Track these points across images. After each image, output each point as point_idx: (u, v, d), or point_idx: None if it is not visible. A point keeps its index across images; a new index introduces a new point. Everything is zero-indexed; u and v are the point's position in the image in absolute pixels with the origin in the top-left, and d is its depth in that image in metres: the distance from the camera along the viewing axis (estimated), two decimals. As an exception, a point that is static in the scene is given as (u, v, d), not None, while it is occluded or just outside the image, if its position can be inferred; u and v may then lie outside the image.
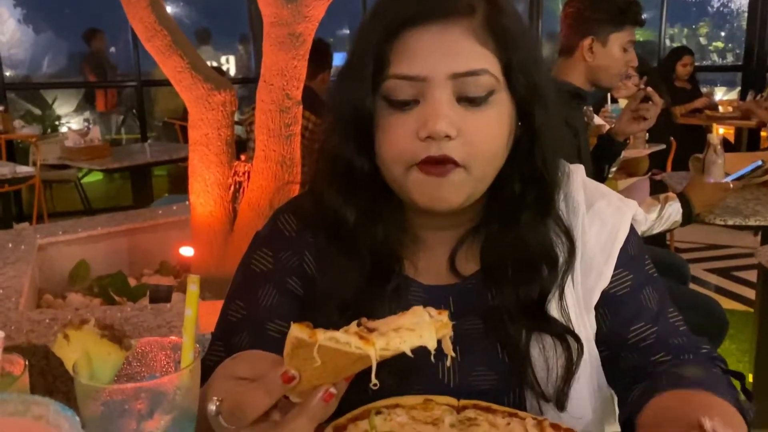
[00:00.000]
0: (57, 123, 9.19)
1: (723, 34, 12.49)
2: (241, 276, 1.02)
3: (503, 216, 0.93)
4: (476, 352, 0.93)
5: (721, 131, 6.56)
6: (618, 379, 0.96)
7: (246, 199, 2.70)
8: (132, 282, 2.75)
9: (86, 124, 6.60)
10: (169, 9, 3.23)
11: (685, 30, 12.32)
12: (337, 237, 0.94)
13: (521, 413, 0.84)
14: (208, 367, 0.71)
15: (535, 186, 0.92)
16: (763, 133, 6.65)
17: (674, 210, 2.29)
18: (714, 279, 4.55)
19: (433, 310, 0.66)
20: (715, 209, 2.52)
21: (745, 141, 6.62)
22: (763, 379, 2.71)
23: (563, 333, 0.91)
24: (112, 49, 9.20)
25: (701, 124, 6.25)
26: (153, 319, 1.85)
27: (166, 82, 2.88)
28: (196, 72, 2.67)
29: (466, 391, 0.88)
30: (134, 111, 8.62)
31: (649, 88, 2.56)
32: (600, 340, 0.96)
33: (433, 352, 0.64)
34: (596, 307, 0.95)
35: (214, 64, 9.05)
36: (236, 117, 3.14)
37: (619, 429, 0.96)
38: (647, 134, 4.16)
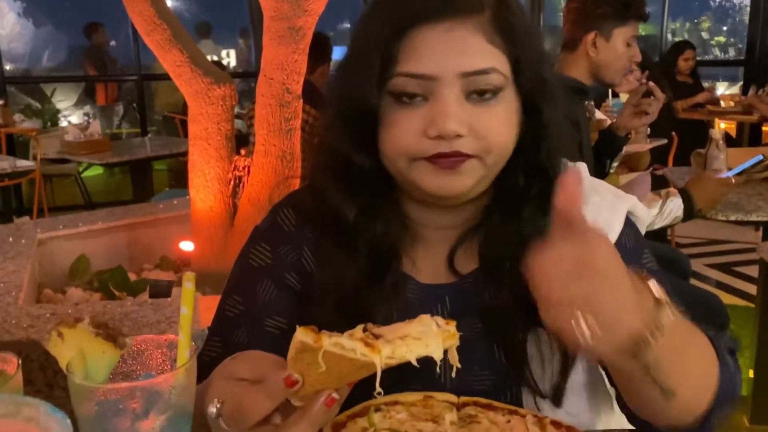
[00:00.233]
0: (57, 117, 9.19)
1: (725, 28, 12.44)
2: (239, 270, 1.01)
3: (506, 209, 0.93)
4: (473, 353, 0.92)
5: (722, 126, 6.55)
6: None
7: (246, 194, 2.70)
8: (132, 277, 2.75)
9: (86, 118, 6.60)
10: (168, 2, 3.22)
11: (687, 24, 12.28)
12: (336, 232, 0.94)
13: (522, 410, 0.84)
14: (204, 362, 0.71)
15: (539, 180, 0.92)
16: (764, 128, 6.63)
17: (675, 205, 2.28)
18: (715, 274, 4.55)
19: (440, 320, 0.65)
20: (716, 204, 2.51)
21: (747, 136, 6.61)
22: (764, 375, 2.70)
23: None
24: (113, 43, 9.17)
25: (703, 119, 6.24)
26: (153, 314, 1.85)
27: (166, 76, 2.86)
28: (196, 66, 2.66)
29: (462, 392, 0.87)
30: (134, 105, 8.61)
31: (651, 83, 2.55)
32: None
33: (439, 362, 0.63)
34: None
35: (214, 58, 9.05)
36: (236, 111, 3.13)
37: (615, 425, 0.96)
38: (649, 129, 4.15)
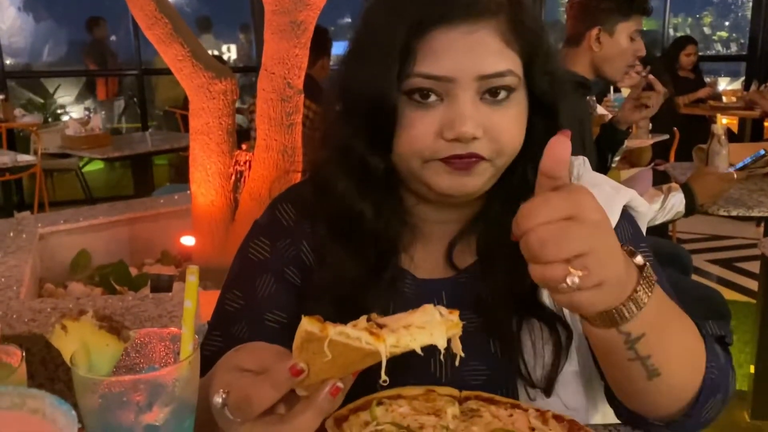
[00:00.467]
0: (58, 112, 9.18)
1: (727, 23, 12.41)
2: (239, 265, 1.01)
3: (507, 201, 0.92)
4: (469, 347, 0.92)
5: (724, 121, 6.54)
6: None
7: (247, 189, 2.70)
8: (133, 271, 2.75)
9: (87, 112, 6.59)
10: (169, -3, 3.21)
11: (689, 19, 12.24)
12: (338, 227, 0.94)
13: (524, 404, 0.84)
14: (204, 357, 0.71)
15: None
16: (766, 124, 6.62)
17: (677, 201, 2.28)
18: (716, 270, 4.54)
19: (443, 309, 0.66)
20: (718, 200, 2.51)
21: (749, 132, 6.59)
22: (765, 370, 2.71)
23: (552, 319, 0.92)
24: (113, 38, 9.16)
25: (705, 114, 6.22)
26: (154, 309, 1.85)
27: (167, 71, 2.86)
28: (197, 60, 2.65)
29: (458, 386, 0.88)
30: (135, 100, 8.60)
31: (651, 76, 2.54)
32: None
33: (442, 351, 0.63)
34: None
35: (215, 52, 9.03)
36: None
37: (612, 418, 0.96)
38: (650, 124, 4.14)
